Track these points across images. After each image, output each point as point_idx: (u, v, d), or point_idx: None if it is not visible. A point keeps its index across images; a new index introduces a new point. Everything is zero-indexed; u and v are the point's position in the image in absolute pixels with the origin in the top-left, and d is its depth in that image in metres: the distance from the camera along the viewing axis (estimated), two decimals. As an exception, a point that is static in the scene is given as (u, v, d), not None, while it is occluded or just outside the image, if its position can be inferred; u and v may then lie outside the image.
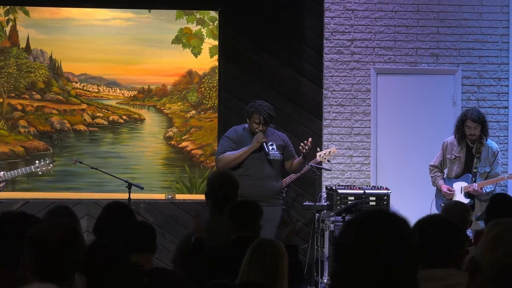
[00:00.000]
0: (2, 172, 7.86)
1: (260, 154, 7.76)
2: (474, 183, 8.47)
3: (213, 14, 9.43)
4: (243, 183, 7.62)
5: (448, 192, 8.50)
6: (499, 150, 8.80)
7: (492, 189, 8.58)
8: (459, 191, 8.52)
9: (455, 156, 8.58)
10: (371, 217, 2.14)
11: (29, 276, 3.24)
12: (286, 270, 4.43)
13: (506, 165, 9.51)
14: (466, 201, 8.26)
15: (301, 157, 7.92)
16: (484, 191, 8.47)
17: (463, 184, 8.53)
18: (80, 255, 3.30)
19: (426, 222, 3.92)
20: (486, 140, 8.58)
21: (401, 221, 2.15)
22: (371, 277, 2.06)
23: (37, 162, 8.20)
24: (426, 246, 3.63)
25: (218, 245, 5.12)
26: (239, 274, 4.31)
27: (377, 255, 2.05)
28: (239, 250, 4.88)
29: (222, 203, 5.62)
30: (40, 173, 8.19)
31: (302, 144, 7.82)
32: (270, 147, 7.80)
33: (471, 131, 8.45)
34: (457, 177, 8.59)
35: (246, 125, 7.90)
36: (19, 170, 7.99)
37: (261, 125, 7.76)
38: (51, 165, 8.17)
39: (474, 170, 8.53)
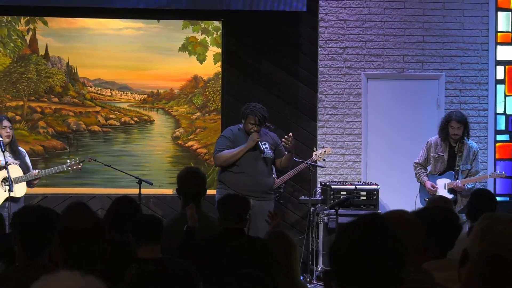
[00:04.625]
0: (36, 170, 7.86)
1: (255, 152, 7.72)
2: (458, 180, 8.48)
3: (217, 24, 9.44)
4: (239, 179, 7.64)
5: (432, 188, 8.50)
6: (478, 149, 8.83)
7: (473, 185, 8.61)
8: (442, 187, 8.53)
9: (439, 154, 8.59)
10: (364, 227, 2.16)
11: (60, 266, 3.23)
12: (298, 258, 4.45)
13: (486, 162, 9.52)
14: (449, 196, 8.27)
15: (287, 152, 7.87)
16: (466, 187, 8.49)
17: (447, 180, 8.54)
18: (107, 246, 3.29)
19: (431, 214, 3.82)
20: (468, 140, 8.60)
21: (389, 231, 2.17)
22: (362, 280, 2.08)
23: (68, 161, 8.20)
24: (433, 237, 3.58)
25: (209, 235, 5.10)
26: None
27: (369, 261, 2.08)
28: (225, 241, 4.87)
29: (191, 198, 5.57)
30: (71, 171, 8.18)
31: (284, 139, 7.78)
32: (264, 146, 7.77)
33: (455, 131, 8.46)
34: (441, 174, 8.60)
35: (241, 125, 7.87)
36: (52, 168, 7.99)
37: (255, 125, 7.74)
38: (80, 164, 8.16)
39: (457, 168, 8.54)
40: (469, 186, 8.53)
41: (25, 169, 7.83)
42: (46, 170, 7.89)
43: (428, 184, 8.54)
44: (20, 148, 8.10)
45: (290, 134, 7.82)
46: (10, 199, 7.50)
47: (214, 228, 5.17)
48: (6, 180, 7.66)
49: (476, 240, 2.19)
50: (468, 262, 2.17)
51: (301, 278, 8.56)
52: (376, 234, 2.15)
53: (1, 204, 7.68)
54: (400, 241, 2.18)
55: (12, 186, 7.50)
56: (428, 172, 8.68)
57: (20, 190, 7.71)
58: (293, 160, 7.99)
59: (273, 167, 8.30)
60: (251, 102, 7.99)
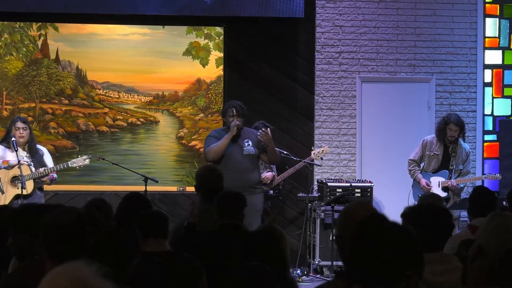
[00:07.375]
0: (42, 168, 7.85)
1: (239, 150, 7.58)
2: (452, 179, 8.52)
3: (219, 29, 9.48)
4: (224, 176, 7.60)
5: (426, 186, 8.53)
6: (470, 150, 8.88)
7: (464, 185, 8.67)
8: (436, 185, 8.56)
9: (434, 153, 8.62)
10: (386, 229, 2.18)
11: (44, 259, 3.25)
12: (287, 252, 4.43)
13: (475, 161, 9.55)
14: (443, 194, 8.32)
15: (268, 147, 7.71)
16: (459, 186, 8.55)
17: (441, 179, 8.58)
18: (89, 239, 3.29)
19: (425, 209, 3.82)
20: (463, 142, 8.66)
21: (411, 233, 2.19)
22: (383, 274, 2.10)
23: (74, 157, 8.21)
24: (428, 231, 3.59)
25: (207, 230, 5.12)
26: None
27: (391, 259, 2.09)
28: (223, 235, 4.88)
29: (210, 194, 5.55)
30: (77, 167, 8.17)
31: (258, 135, 7.70)
32: (246, 143, 7.68)
33: (452, 133, 8.51)
34: (434, 172, 8.63)
35: (225, 127, 7.84)
36: (59, 165, 8.00)
37: (235, 116, 7.68)
38: (87, 160, 8.15)
39: (451, 167, 8.58)
40: (461, 185, 8.60)
41: (39, 167, 7.82)
42: (51, 167, 7.88)
43: (423, 182, 8.57)
44: (40, 147, 8.07)
45: (268, 130, 7.77)
46: (21, 196, 7.53)
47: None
48: (15, 178, 7.69)
49: (492, 236, 2.21)
50: (481, 257, 2.18)
51: (299, 271, 8.59)
52: (388, 230, 2.15)
53: (12, 201, 7.69)
54: (414, 240, 2.18)
55: (24, 184, 7.51)
56: (421, 169, 8.72)
57: (28, 187, 7.71)
58: (276, 152, 7.81)
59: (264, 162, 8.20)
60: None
